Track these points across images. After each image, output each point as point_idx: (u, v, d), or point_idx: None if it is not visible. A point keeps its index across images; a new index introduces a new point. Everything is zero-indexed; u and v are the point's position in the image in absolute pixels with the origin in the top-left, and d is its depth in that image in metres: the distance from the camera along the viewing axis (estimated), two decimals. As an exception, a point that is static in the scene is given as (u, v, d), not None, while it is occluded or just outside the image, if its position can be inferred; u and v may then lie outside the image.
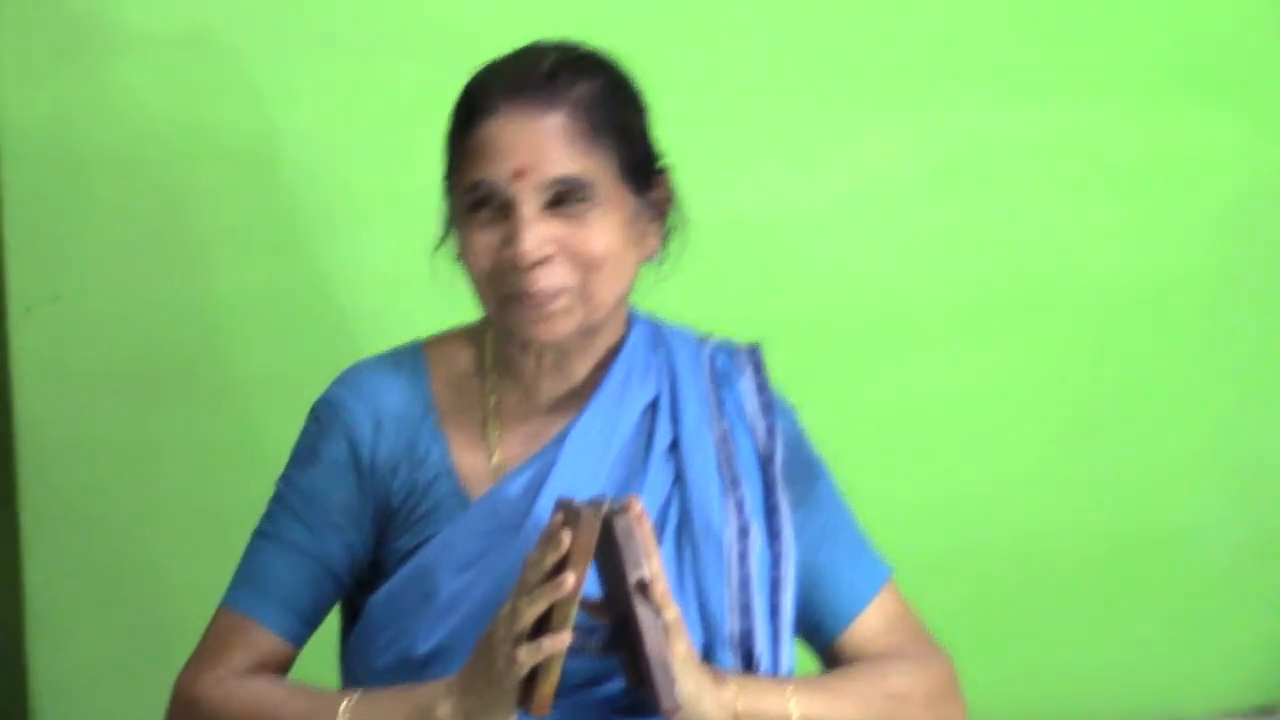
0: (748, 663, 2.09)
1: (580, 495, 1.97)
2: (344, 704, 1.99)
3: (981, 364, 3.22)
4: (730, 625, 2.08)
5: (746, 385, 2.19)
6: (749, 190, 3.06)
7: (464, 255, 2.06)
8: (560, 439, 2.09)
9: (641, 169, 2.08)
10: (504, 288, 2.02)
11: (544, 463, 2.08)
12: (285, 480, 2.14)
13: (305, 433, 2.14)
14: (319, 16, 2.87)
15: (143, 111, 2.82)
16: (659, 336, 2.18)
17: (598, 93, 2.04)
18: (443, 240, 2.13)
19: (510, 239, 2.00)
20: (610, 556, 1.91)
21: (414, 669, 2.03)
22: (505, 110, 2.00)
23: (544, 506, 2.03)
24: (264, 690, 2.05)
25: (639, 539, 1.90)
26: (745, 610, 2.08)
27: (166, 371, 2.87)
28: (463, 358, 2.15)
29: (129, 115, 2.81)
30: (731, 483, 2.12)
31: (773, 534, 2.12)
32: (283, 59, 2.86)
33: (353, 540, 2.10)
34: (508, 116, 2.00)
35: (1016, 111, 3.19)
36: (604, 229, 2.02)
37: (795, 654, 2.15)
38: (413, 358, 2.16)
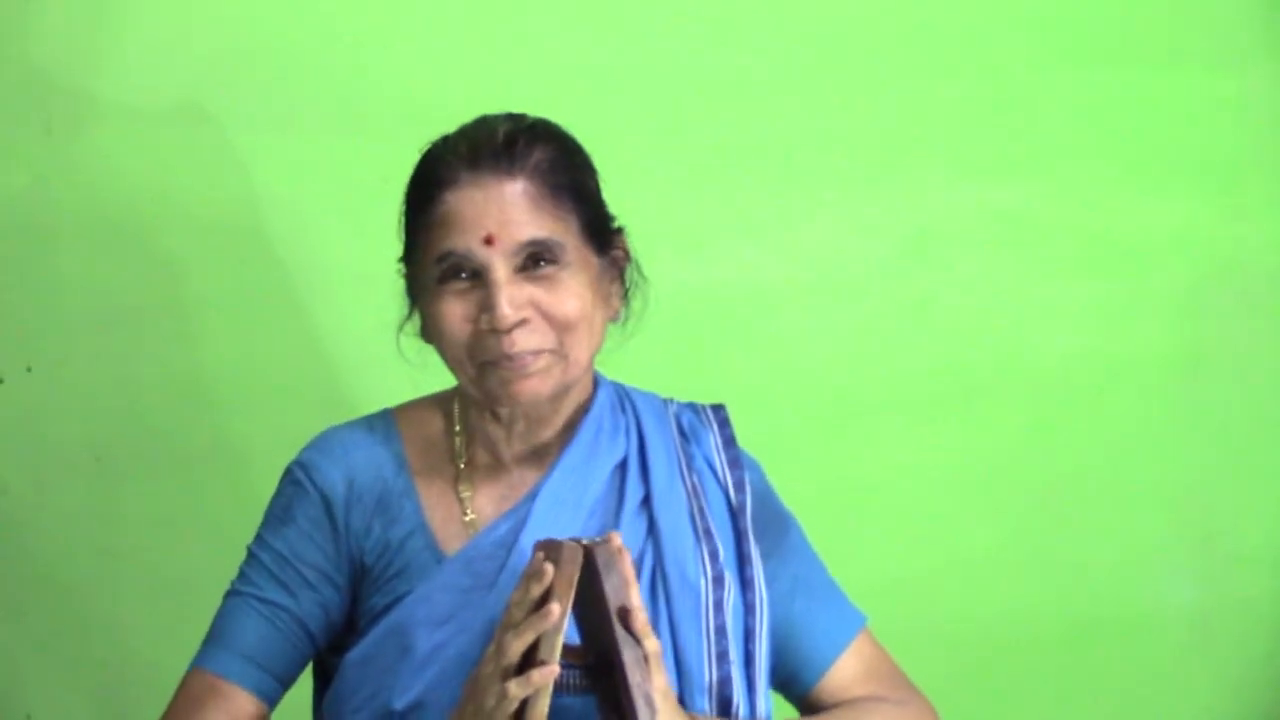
0: (724, 710, 2.10)
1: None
2: None
3: (939, 442, 3.21)
4: (707, 674, 2.09)
5: (713, 441, 2.22)
6: (710, 263, 3.06)
7: (435, 327, 2.07)
8: (532, 496, 2.11)
9: (600, 229, 2.12)
10: (482, 354, 2.05)
11: (517, 518, 2.10)
12: (258, 542, 2.15)
13: (279, 494, 2.16)
14: (297, 89, 2.89)
15: (117, 182, 2.83)
16: (625, 399, 2.22)
17: (553, 158, 2.07)
18: (407, 319, 2.17)
19: (486, 305, 2.02)
20: (591, 589, 1.92)
21: None
22: (467, 180, 2.03)
23: (518, 562, 2.05)
24: None
25: (620, 570, 1.93)
26: (722, 658, 2.10)
27: (138, 442, 2.87)
28: (433, 422, 2.18)
29: (104, 186, 2.82)
30: (705, 534, 2.14)
31: (745, 583, 2.15)
32: (258, 131, 2.86)
33: (328, 599, 2.12)
34: (472, 186, 2.03)
35: (978, 190, 3.19)
36: (575, 290, 2.05)
37: (772, 703, 2.17)
38: (384, 422, 2.19)
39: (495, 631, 1.94)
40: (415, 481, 2.14)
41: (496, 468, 2.15)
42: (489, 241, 2.01)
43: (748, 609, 2.14)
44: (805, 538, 2.26)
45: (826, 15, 3.12)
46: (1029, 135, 3.22)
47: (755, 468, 2.25)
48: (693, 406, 2.25)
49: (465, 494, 2.14)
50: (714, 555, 2.14)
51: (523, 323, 2.03)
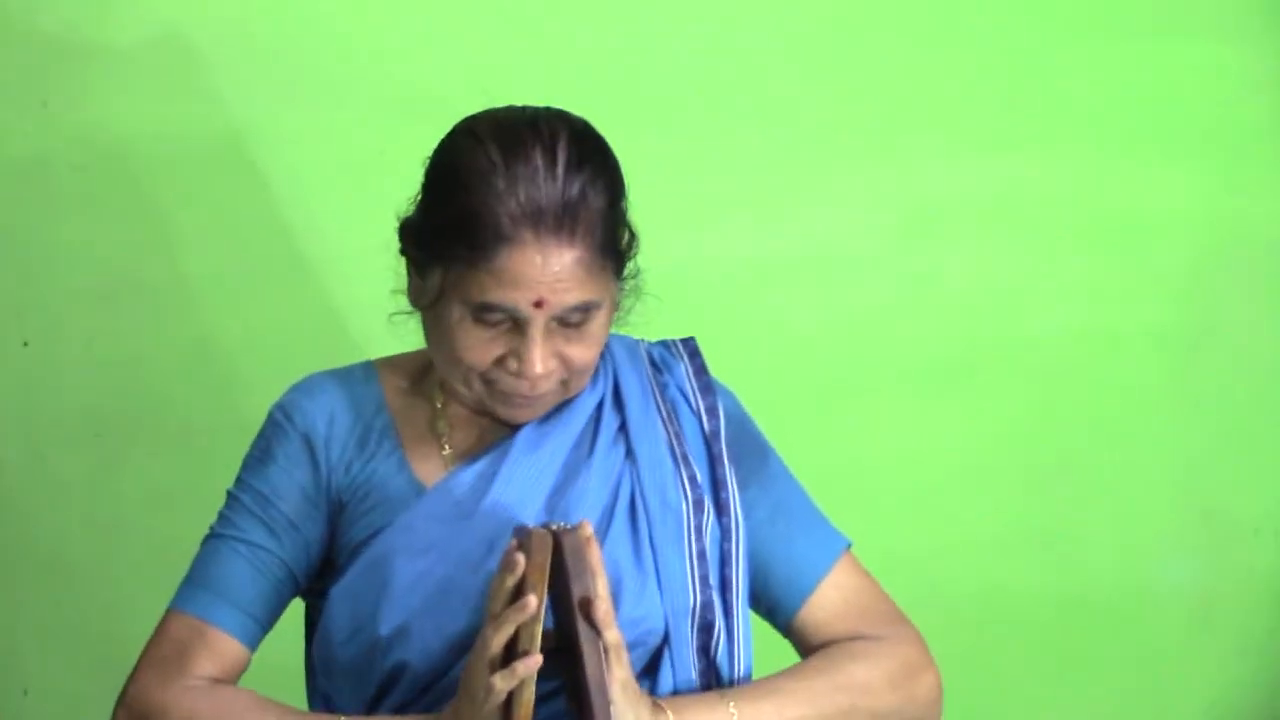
0: (705, 634, 2.11)
1: (532, 484, 2.06)
2: None
3: (940, 418, 3.22)
4: (690, 597, 2.10)
5: (685, 370, 2.24)
6: (709, 239, 3.08)
7: (451, 345, 2.06)
8: (512, 434, 2.13)
9: (624, 254, 2.13)
10: (495, 381, 2.07)
11: (497, 453, 2.11)
12: (239, 484, 2.16)
13: (260, 437, 2.18)
14: (296, 63, 2.90)
15: (115, 156, 2.84)
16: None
17: (604, 208, 2.05)
18: (415, 294, 2.15)
19: (517, 352, 2.03)
20: (559, 576, 1.93)
21: (379, 653, 2.04)
22: (531, 240, 2.00)
23: (498, 492, 2.07)
24: (238, 704, 2.05)
25: (586, 559, 1.93)
26: (704, 582, 2.11)
27: (133, 416, 2.89)
28: (412, 372, 2.20)
29: (102, 160, 2.84)
30: (682, 459, 2.16)
31: (720, 507, 2.15)
32: (258, 104, 2.89)
33: (310, 538, 2.12)
34: (534, 249, 2.00)
35: (978, 166, 3.20)
36: (596, 335, 2.08)
37: (750, 627, 2.16)
38: (364, 369, 2.21)
39: (482, 610, 1.96)
40: (394, 419, 2.16)
41: (475, 411, 2.16)
42: (539, 304, 2.02)
43: (724, 533, 2.15)
44: (784, 465, 2.26)
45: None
46: (1029, 111, 3.22)
47: (729, 395, 2.26)
48: (663, 342, 2.27)
49: (443, 431, 2.15)
50: (692, 480, 2.15)
51: (547, 374, 2.06)
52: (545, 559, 1.91)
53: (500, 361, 2.05)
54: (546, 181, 2.01)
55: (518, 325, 2.03)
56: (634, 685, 1.99)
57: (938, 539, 3.21)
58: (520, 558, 1.91)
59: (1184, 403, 3.35)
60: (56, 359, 2.86)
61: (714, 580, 2.13)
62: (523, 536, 1.94)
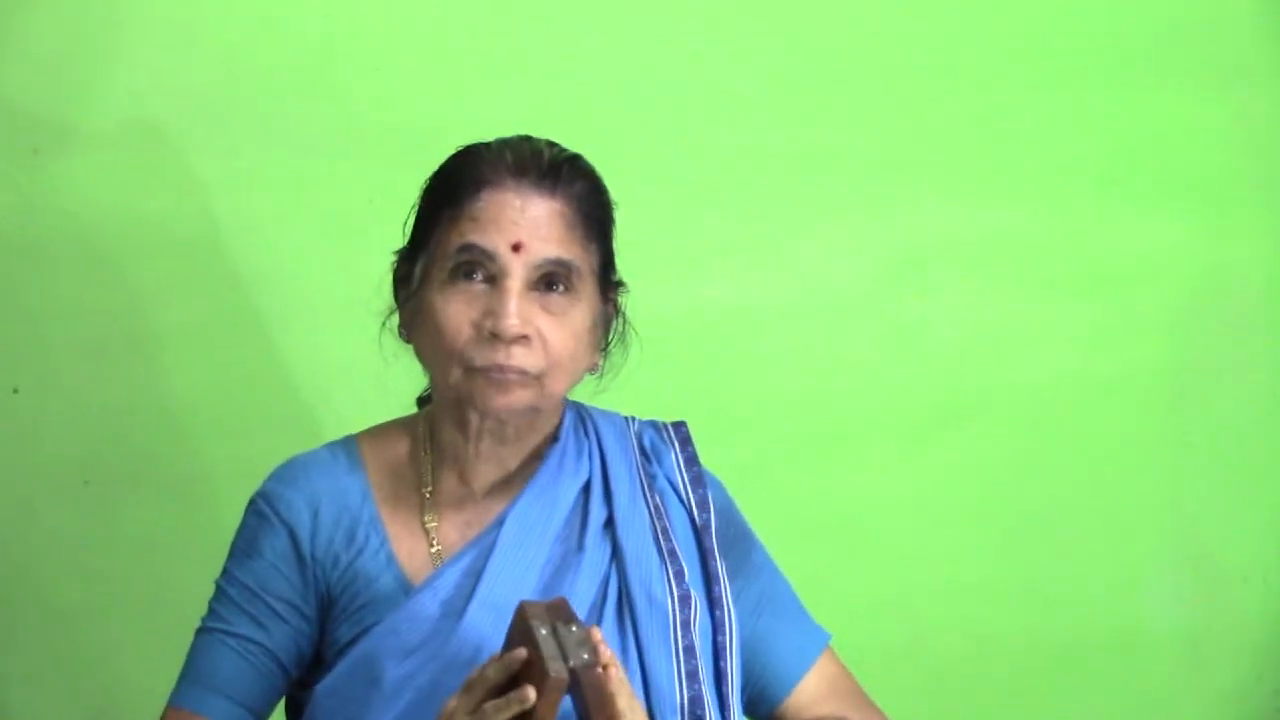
0: None
1: (519, 581, 2.06)
2: None
3: (929, 463, 3.22)
4: (678, 694, 2.10)
5: (675, 460, 2.24)
6: (698, 283, 3.08)
7: (433, 321, 2.07)
8: (498, 523, 2.12)
9: (609, 275, 2.16)
10: (473, 359, 2.06)
11: (483, 546, 2.11)
12: (226, 576, 2.16)
13: (244, 527, 2.17)
14: (281, 114, 2.88)
15: (105, 206, 2.83)
16: (586, 419, 2.24)
17: (590, 191, 2.12)
18: (399, 309, 2.17)
19: (493, 309, 2.04)
20: (581, 711, 1.93)
21: None
22: (512, 186, 2.07)
23: (485, 591, 2.07)
24: None
25: (608, 695, 1.92)
26: (692, 677, 2.11)
27: (123, 464, 2.87)
28: (398, 447, 2.19)
29: (92, 210, 2.82)
30: (669, 554, 2.15)
31: (712, 601, 2.16)
32: (244, 156, 2.87)
33: (298, 630, 2.12)
34: (514, 192, 2.06)
35: (967, 211, 3.20)
36: (574, 326, 2.08)
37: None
38: (347, 449, 2.20)
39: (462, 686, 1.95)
40: (380, 510, 2.15)
41: (463, 497, 2.15)
42: (517, 248, 2.04)
43: (716, 627, 2.15)
44: (768, 555, 2.27)
45: (817, 38, 3.13)
46: (1018, 157, 3.23)
47: (717, 485, 2.26)
48: (654, 424, 2.27)
49: (431, 524, 2.15)
50: (679, 575, 2.14)
51: (524, 339, 2.05)
52: (557, 704, 1.90)
53: (479, 326, 2.05)
54: (532, 149, 2.10)
55: (495, 282, 2.05)
56: None
57: (927, 585, 3.21)
58: (531, 693, 1.88)
59: (1173, 449, 3.35)
60: (46, 407, 2.85)
61: (706, 674, 2.13)
62: (539, 663, 1.89)
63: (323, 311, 2.90)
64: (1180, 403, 3.35)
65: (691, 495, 2.21)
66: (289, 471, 2.18)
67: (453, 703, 1.94)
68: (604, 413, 2.25)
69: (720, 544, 2.19)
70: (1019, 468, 3.27)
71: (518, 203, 2.05)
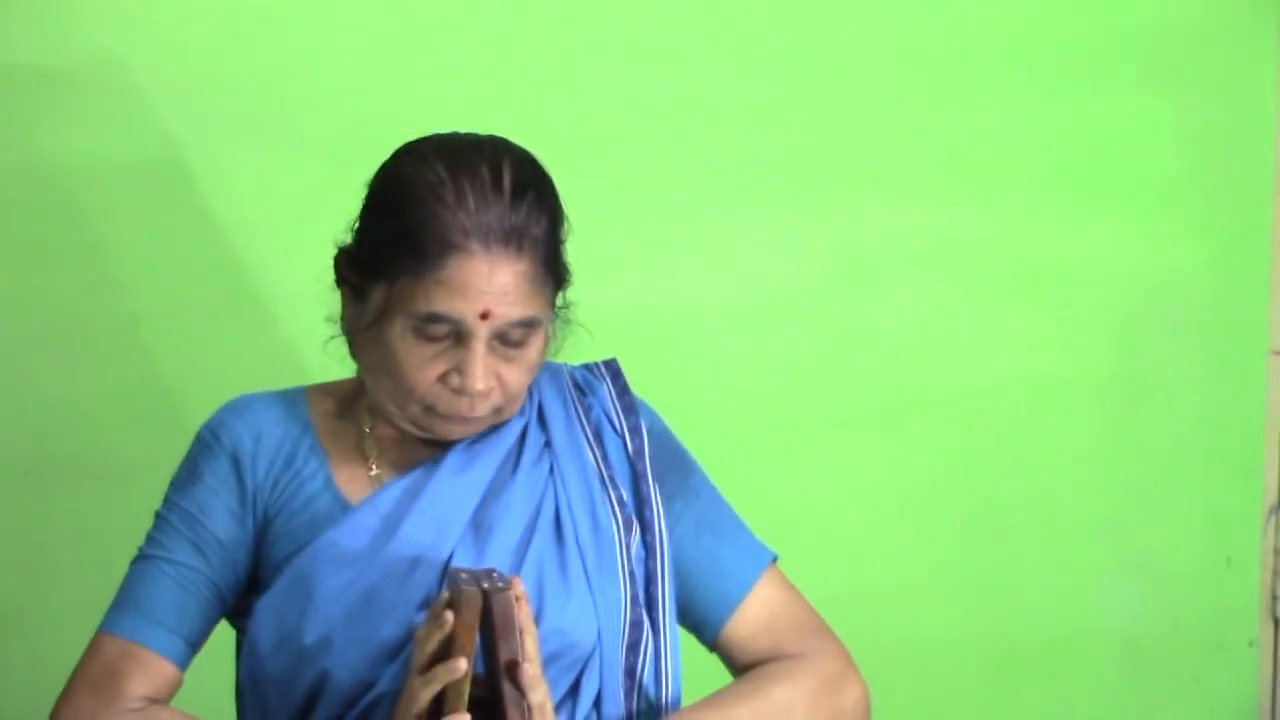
0: (632, 654, 2.13)
1: (458, 501, 2.09)
2: None
3: (872, 464, 3.24)
4: (622, 616, 2.13)
5: (608, 390, 2.26)
6: (643, 282, 3.09)
7: (392, 366, 2.07)
8: (439, 455, 2.14)
9: (562, 280, 2.15)
10: (435, 405, 2.07)
11: (424, 471, 2.13)
12: (166, 504, 2.18)
13: (187, 457, 2.19)
14: (251, 103, 2.89)
15: (59, 194, 2.82)
16: None
17: (548, 227, 2.09)
18: (347, 334, 2.16)
19: (459, 368, 2.05)
20: (486, 634, 1.95)
21: (304, 663, 2.06)
22: (480, 253, 2.02)
23: (423, 508, 2.09)
24: None
25: (514, 620, 1.95)
26: (634, 601, 2.14)
27: (64, 454, 2.86)
28: (340, 398, 2.21)
29: (45, 198, 2.82)
30: (610, 481, 2.18)
31: (644, 526, 2.18)
32: (210, 143, 2.87)
33: (237, 557, 2.13)
34: (482, 259, 2.02)
35: (912, 214, 3.24)
36: (531, 360, 2.10)
37: (679, 647, 2.18)
38: (293, 393, 2.23)
39: (408, 669, 1.98)
40: (321, 439, 2.17)
41: (402, 437, 2.16)
42: (485, 316, 2.03)
43: (648, 551, 2.17)
44: (707, 478, 2.28)
45: (765, 40, 3.16)
46: (963, 159, 3.26)
47: (650, 412, 2.28)
48: (585, 365, 2.29)
49: (370, 453, 2.16)
50: (620, 501, 2.17)
51: (487, 392, 2.07)
52: (474, 619, 1.93)
53: (442, 379, 2.05)
54: (494, 197, 2.04)
55: (460, 340, 2.04)
56: None
57: (868, 583, 3.22)
58: (449, 615, 1.92)
59: (1115, 450, 3.38)
60: (-14, 395, 2.84)
61: (641, 599, 2.15)
62: (454, 588, 1.95)
63: (277, 300, 2.90)
64: (1123, 405, 3.38)
65: (625, 423, 2.23)
66: (233, 404, 2.21)
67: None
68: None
69: (656, 467, 2.21)
70: (962, 469, 3.29)
71: (485, 269, 2.02)
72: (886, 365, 3.24)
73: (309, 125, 2.90)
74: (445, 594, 1.96)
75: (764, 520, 3.08)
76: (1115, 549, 3.40)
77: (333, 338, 2.18)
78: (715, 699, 2.16)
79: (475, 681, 1.95)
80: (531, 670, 1.95)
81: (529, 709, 1.95)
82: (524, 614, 1.97)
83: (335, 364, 2.20)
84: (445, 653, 1.93)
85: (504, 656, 1.94)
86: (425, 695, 1.92)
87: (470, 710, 1.92)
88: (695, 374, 3.12)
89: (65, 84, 2.82)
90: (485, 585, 1.94)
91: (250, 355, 2.91)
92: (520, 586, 1.98)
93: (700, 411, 3.06)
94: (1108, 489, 3.38)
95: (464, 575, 1.96)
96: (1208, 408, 3.43)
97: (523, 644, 1.95)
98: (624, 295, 3.01)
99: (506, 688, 1.94)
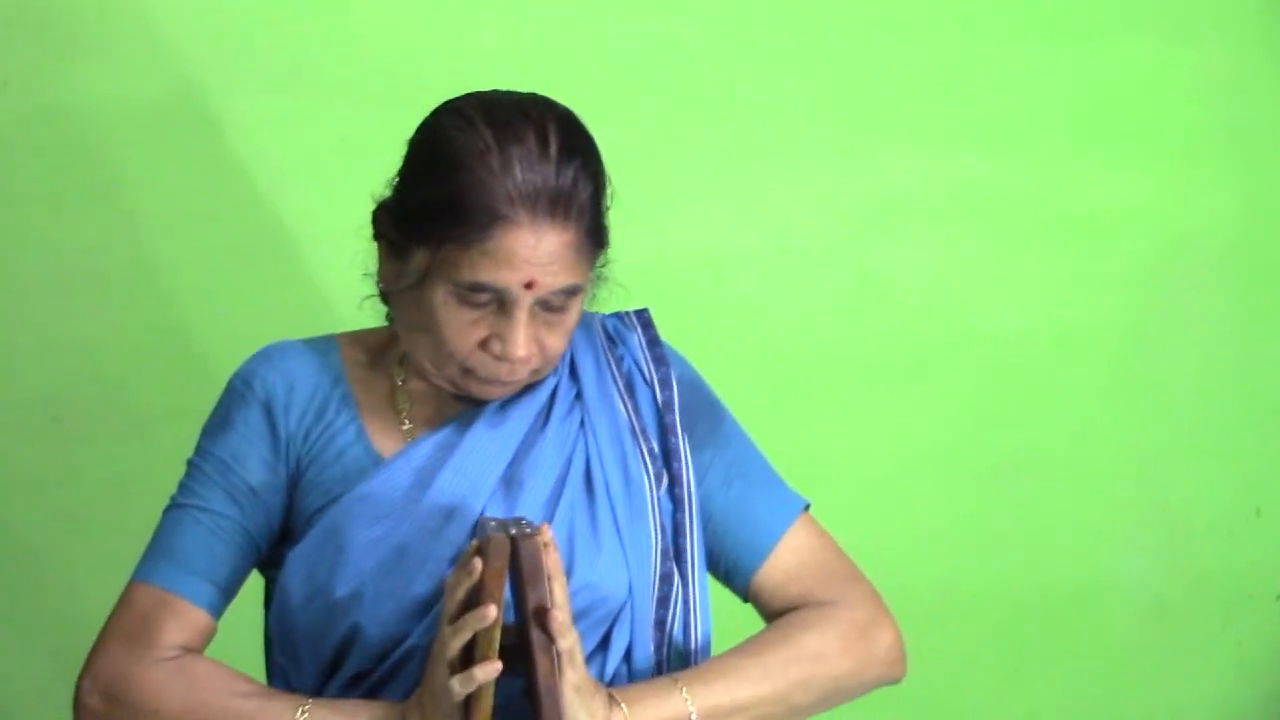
0: (662, 607, 2.14)
1: (491, 457, 2.08)
2: (298, 713, 2.02)
3: (897, 412, 3.24)
4: (653, 569, 2.13)
5: (638, 341, 2.26)
6: (668, 230, 3.09)
7: (435, 328, 2.06)
8: (472, 410, 2.14)
9: (604, 245, 2.13)
10: (475, 368, 2.07)
11: (458, 426, 2.13)
12: (200, 453, 2.17)
13: (219, 406, 2.18)
14: (258, 49, 2.90)
15: (76, 141, 2.83)
16: None
17: (594, 193, 2.07)
18: (386, 295, 2.15)
19: (500, 333, 2.04)
20: (515, 581, 1.95)
21: (335, 616, 2.06)
22: (526, 222, 2.01)
23: (457, 463, 2.09)
24: (208, 677, 2.06)
25: (542, 566, 1.94)
26: (664, 554, 2.14)
27: (92, 402, 2.88)
28: (372, 347, 2.21)
29: (62, 144, 2.83)
30: (641, 433, 2.18)
31: (673, 478, 2.18)
32: (219, 90, 2.88)
33: (271, 504, 2.13)
34: (528, 229, 2.01)
35: (937, 162, 3.23)
36: (569, 325, 2.09)
37: (709, 599, 2.18)
38: (325, 341, 2.22)
39: (439, 616, 1.97)
40: (354, 390, 2.17)
41: (436, 391, 2.16)
42: (530, 285, 2.02)
43: (676, 504, 2.17)
44: (739, 426, 2.27)
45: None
46: (989, 108, 3.25)
47: (681, 361, 2.28)
48: (617, 315, 2.28)
49: (403, 406, 2.16)
50: (651, 453, 2.17)
51: (527, 358, 2.06)
52: (503, 565, 1.93)
53: (483, 344, 2.05)
54: (541, 164, 2.02)
55: (503, 307, 2.04)
56: (588, 684, 2.00)
57: (893, 533, 3.22)
58: (478, 563, 1.92)
59: (1139, 400, 3.38)
60: (13, 345, 2.85)
61: (671, 551, 2.15)
62: (483, 536, 1.94)
63: (299, 249, 2.91)
64: (1148, 355, 3.37)
65: (655, 374, 2.23)
66: (265, 352, 2.20)
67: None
68: None
69: (686, 416, 2.21)
70: (985, 418, 3.29)
71: (531, 239, 2.00)
72: (911, 313, 3.24)
73: (331, 70, 2.91)
74: (474, 542, 1.96)
75: (786, 468, 3.11)
76: (1141, 500, 3.40)
77: (369, 296, 2.17)
78: (745, 647, 2.15)
79: (506, 630, 1.95)
80: (560, 616, 1.94)
81: (558, 655, 1.95)
82: (553, 561, 1.96)
83: (361, 313, 2.20)
84: (475, 600, 1.92)
85: (532, 602, 1.94)
86: (456, 644, 1.92)
87: (502, 658, 1.91)
88: (717, 323, 3.12)
89: (86, 29, 2.82)
90: (513, 531, 1.94)
91: (274, 300, 2.92)
92: (549, 533, 1.96)
93: (724, 361, 3.06)
94: (1132, 438, 3.37)
95: (493, 523, 1.96)
96: (1233, 358, 3.42)
97: (551, 590, 1.95)
98: (648, 245, 2.99)
99: (535, 634, 1.94)
